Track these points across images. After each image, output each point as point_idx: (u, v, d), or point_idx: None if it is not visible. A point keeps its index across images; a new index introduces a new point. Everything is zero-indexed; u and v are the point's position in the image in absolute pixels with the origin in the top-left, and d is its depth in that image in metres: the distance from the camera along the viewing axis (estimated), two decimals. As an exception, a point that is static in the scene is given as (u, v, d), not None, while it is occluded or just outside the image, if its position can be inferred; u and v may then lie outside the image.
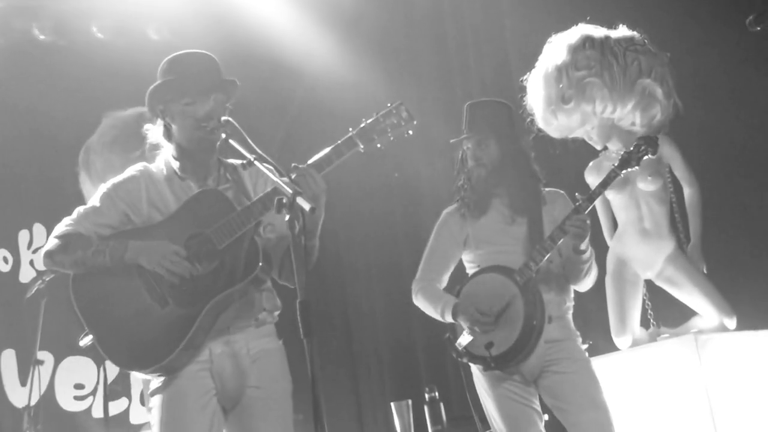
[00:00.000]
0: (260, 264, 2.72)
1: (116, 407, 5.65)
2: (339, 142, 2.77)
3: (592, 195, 3.41)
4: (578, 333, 3.54)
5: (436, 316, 3.57)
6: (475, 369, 3.53)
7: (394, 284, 5.55)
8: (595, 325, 4.47)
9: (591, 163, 4.63)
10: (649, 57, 4.37)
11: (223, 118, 2.71)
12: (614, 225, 4.67)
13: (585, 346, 3.59)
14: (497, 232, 3.58)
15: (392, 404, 4.69)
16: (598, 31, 4.44)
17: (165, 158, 2.93)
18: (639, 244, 4.47)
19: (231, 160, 2.94)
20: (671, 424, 4.08)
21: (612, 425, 3.36)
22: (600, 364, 3.66)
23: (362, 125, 2.79)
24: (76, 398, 5.72)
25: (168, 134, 2.88)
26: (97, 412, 5.62)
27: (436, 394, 4.61)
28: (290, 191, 2.36)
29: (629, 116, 4.40)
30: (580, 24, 4.51)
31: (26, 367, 5.22)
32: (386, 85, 5.68)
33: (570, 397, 3.37)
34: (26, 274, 5.80)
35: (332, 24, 6.03)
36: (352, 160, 2.81)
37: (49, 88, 5.71)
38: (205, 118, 2.77)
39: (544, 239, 3.41)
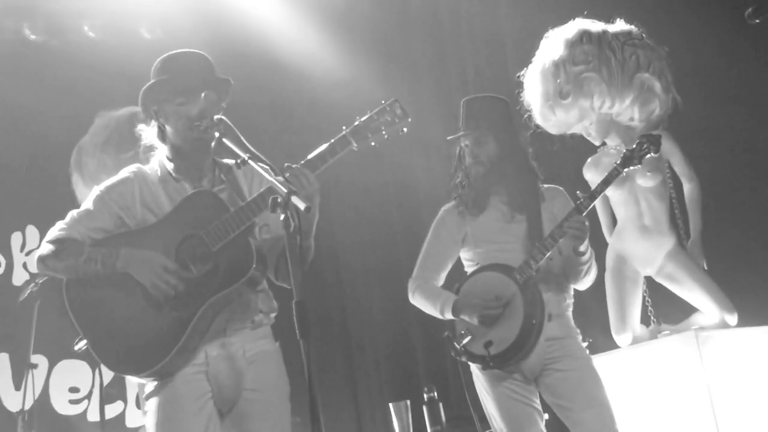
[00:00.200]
0: (254, 265, 2.70)
1: (112, 410, 5.62)
2: (333, 140, 2.76)
3: (593, 193, 3.41)
4: (578, 330, 3.53)
5: (435, 314, 3.55)
6: (475, 368, 3.51)
7: (392, 283, 5.52)
8: (595, 322, 4.45)
9: (589, 159, 4.62)
10: (647, 51, 4.36)
11: (216, 116, 2.71)
12: (613, 221, 4.66)
13: (585, 344, 3.57)
14: (496, 229, 3.56)
15: (390, 405, 4.67)
16: (595, 26, 4.44)
17: (159, 159, 2.91)
18: (639, 241, 4.45)
19: (226, 160, 2.93)
20: (673, 421, 4.07)
21: (614, 423, 3.34)
22: (600, 362, 3.65)
23: (356, 123, 2.78)
24: (72, 402, 5.68)
25: (162, 135, 2.87)
26: (93, 416, 5.59)
27: (435, 394, 4.59)
28: (285, 191, 2.35)
29: (628, 111, 4.39)
30: (577, 18, 4.51)
31: (20, 370, 5.19)
32: (381, 81, 5.65)
33: (571, 396, 3.36)
34: (19, 277, 5.77)
35: (326, 21, 6.01)
36: (349, 158, 2.80)
37: (41, 88, 5.67)
38: (198, 118, 2.75)
39: (544, 237, 3.40)
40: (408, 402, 4.67)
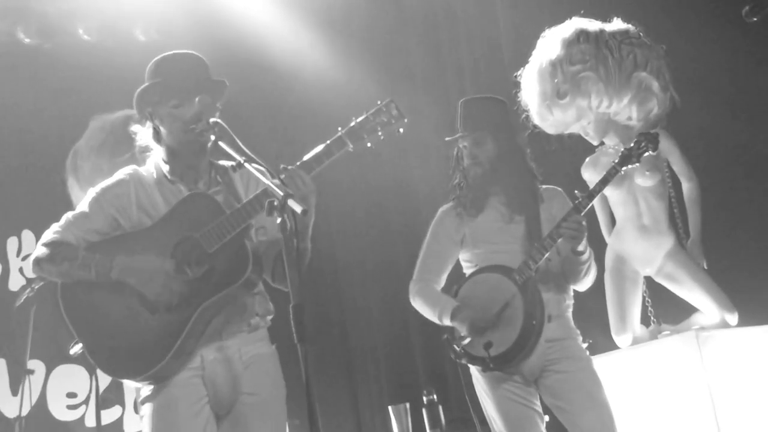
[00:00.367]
0: (251, 267, 2.69)
1: (110, 415, 5.61)
2: (328, 141, 2.75)
3: (591, 192, 3.40)
4: (578, 331, 3.52)
5: (434, 320, 3.54)
6: (474, 370, 3.49)
7: (391, 285, 5.52)
8: (594, 323, 4.43)
9: (588, 159, 4.61)
10: (645, 50, 4.35)
11: (212, 119, 2.69)
12: (612, 221, 4.65)
13: (585, 345, 3.55)
14: (495, 230, 3.54)
15: (390, 408, 4.65)
16: (592, 25, 4.43)
17: (155, 161, 2.90)
18: (638, 241, 4.44)
19: (222, 162, 2.92)
20: (674, 422, 4.06)
21: (614, 425, 3.33)
22: (600, 363, 3.65)
23: (352, 124, 2.78)
24: (69, 407, 5.66)
25: (157, 137, 2.86)
26: (91, 421, 5.57)
27: (435, 396, 4.57)
28: (281, 193, 2.34)
29: (625, 110, 4.38)
30: (573, 17, 4.49)
31: (17, 376, 5.17)
32: (377, 82, 5.64)
33: (572, 397, 3.34)
34: (15, 282, 5.75)
35: (321, 22, 6.00)
36: (347, 159, 2.78)
37: (36, 92, 5.66)
38: (193, 120, 2.74)
39: (542, 237, 3.39)
40: (407, 405, 4.65)
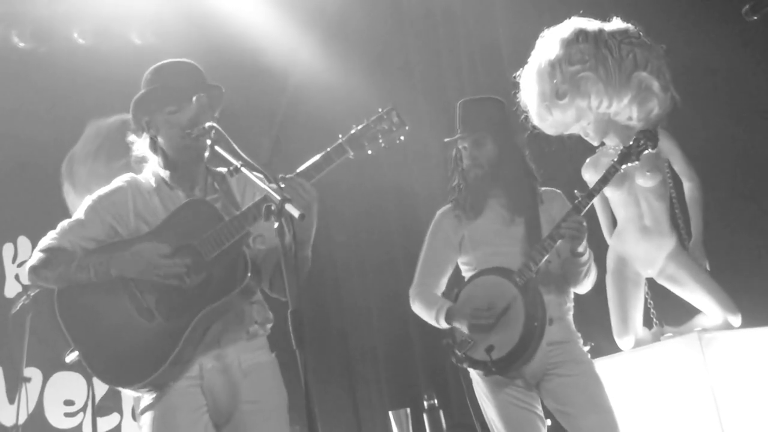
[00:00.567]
0: (249, 275, 2.67)
1: (107, 423, 5.62)
2: (328, 149, 2.72)
3: (591, 192, 3.39)
4: (579, 334, 3.50)
5: (432, 322, 3.53)
6: (475, 374, 3.47)
7: (391, 290, 5.51)
8: (596, 325, 4.41)
9: (588, 160, 4.59)
10: (645, 49, 4.33)
11: (208, 124, 2.67)
12: (613, 223, 4.63)
13: (587, 348, 3.53)
14: (495, 233, 3.52)
15: (390, 413, 4.64)
16: (591, 24, 4.40)
17: (152, 169, 2.89)
18: (639, 242, 4.42)
19: (219, 169, 2.90)
20: (677, 425, 4.04)
21: (617, 428, 3.31)
22: (603, 366, 3.64)
23: (352, 132, 2.74)
24: (66, 415, 5.65)
25: (154, 146, 2.85)
26: (88, 429, 5.57)
27: (435, 401, 4.56)
28: (278, 198, 2.31)
29: (626, 111, 4.36)
30: (572, 17, 4.47)
31: (14, 384, 5.16)
32: (375, 82, 5.62)
33: (574, 401, 3.32)
34: (11, 289, 5.76)
35: (319, 26, 5.99)
36: (346, 163, 2.76)
37: (31, 96, 5.66)
38: (190, 125, 2.73)
39: (542, 239, 3.37)
40: (408, 410, 4.65)
